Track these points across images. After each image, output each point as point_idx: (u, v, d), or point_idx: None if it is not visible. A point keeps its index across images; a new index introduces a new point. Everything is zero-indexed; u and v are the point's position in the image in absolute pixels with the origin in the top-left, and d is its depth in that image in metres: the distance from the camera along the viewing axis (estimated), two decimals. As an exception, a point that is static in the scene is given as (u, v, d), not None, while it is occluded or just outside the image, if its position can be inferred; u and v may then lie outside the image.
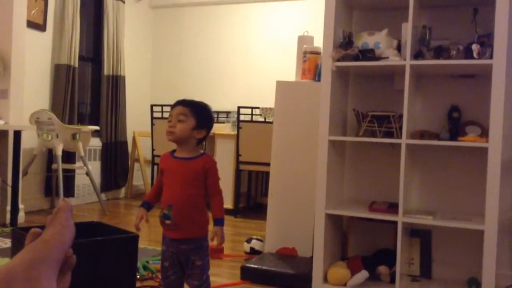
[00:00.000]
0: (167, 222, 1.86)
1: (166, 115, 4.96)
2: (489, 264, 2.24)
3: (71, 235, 0.53)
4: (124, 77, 5.56)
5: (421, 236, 2.68)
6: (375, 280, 2.54)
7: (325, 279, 2.55)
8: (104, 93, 5.37)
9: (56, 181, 4.35)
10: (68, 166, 4.55)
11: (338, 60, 2.53)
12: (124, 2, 5.58)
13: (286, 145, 3.24)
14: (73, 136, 4.32)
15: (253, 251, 3.24)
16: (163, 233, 1.92)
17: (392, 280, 2.44)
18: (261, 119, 4.74)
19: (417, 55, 2.43)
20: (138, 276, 2.55)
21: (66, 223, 0.53)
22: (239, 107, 4.70)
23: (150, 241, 3.57)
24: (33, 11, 4.48)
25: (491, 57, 2.26)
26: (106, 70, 5.39)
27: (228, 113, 5.43)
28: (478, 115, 2.56)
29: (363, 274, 2.48)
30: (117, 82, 5.47)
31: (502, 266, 2.56)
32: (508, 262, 2.59)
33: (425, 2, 2.58)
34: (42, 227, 0.53)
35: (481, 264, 2.26)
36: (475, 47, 2.28)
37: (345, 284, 2.50)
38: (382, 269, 2.55)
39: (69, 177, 4.74)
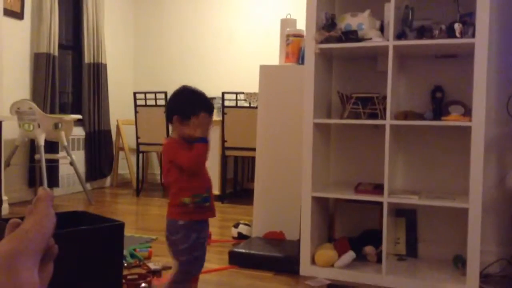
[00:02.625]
0: (207, 204, 1.85)
1: (149, 102, 4.91)
2: (474, 241, 2.27)
3: (51, 224, 0.51)
4: (105, 65, 5.47)
5: (407, 216, 2.70)
6: (362, 260, 2.57)
7: (313, 261, 2.57)
8: (85, 81, 5.29)
9: (40, 171, 4.30)
10: (51, 156, 4.49)
11: (322, 42, 2.52)
12: (103, -12, 5.47)
13: (271, 130, 3.24)
14: (55, 126, 4.26)
15: (241, 236, 3.25)
16: (192, 222, 1.83)
17: (379, 260, 2.47)
18: (246, 104, 4.72)
19: (400, 35, 2.43)
20: (125, 264, 2.54)
21: (46, 212, 0.52)
22: (223, 93, 4.67)
23: (137, 229, 3.56)
24: (9, -1, 4.37)
25: (473, 36, 2.26)
26: (87, 58, 5.30)
27: (212, 99, 5.39)
28: (461, 94, 2.58)
29: (350, 254, 2.51)
30: (98, 70, 5.39)
31: (487, 243, 2.60)
32: (493, 239, 2.64)
33: (407, -18, 2.57)
34: (23, 218, 0.51)
35: (466, 242, 2.30)
36: (457, 27, 2.29)
37: (332, 265, 2.52)
38: (369, 249, 2.57)
39: (53, 167, 4.68)
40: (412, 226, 2.71)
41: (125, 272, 2.41)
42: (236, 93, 4.65)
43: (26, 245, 0.48)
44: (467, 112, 2.42)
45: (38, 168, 4.39)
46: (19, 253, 0.47)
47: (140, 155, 5.16)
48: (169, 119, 1.86)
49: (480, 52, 2.25)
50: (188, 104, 1.82)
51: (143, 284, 2.31)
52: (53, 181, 4.76)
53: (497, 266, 2.59)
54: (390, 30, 2.39)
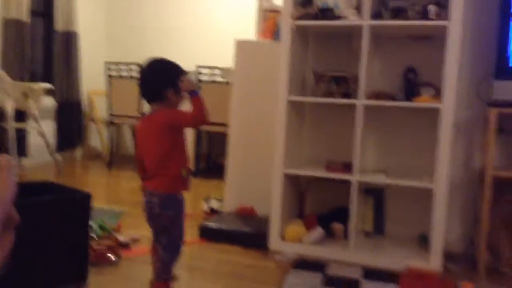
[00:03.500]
0: (190, 176, 1.87)
1: (123, 73, 4.82)
2: (438, 220, 2.34)
3: (12, 193, 0.50)
4: (77, 33, 5.33)
5: (375, 195, 2.75)
6: (330, 237, 2.62)
7: (282, 237, 2.60)
8: (56, 50, 5.15)
9: (8, 140, 4.20)
10: (19, 125, 4.39)
11: (298, 19, 2.51)
12: (76, -46, 5.29)
13: (245, 105, 3.23)
14: (24, 94, 4.15)
15: (212, 211, 3.27)
16: (180, 195, 1.84)
17: (347, 236, 2.52)
18: (221, 79, 4.68)
19: (375, 15, 2.43)
20: (94, 236, 2.52)
21: (7, 180, 0.51)
22: (198, 67, 4.61)
23: (108, 201, 3.53)
24: (-24, -40, 4.19)
25: (447, 18, 2.28)
26: (58, 26, 5.15)
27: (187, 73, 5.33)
28: (433, 76, 2.60)
29: (318, 231, 2.55)
30: (70, 38, 5.24)
31: (452, 222, 2.68)
32: (457, 218, 2.71)
33: (385, -39, 2.56)
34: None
35: (431, 221, 2.36)
36: (432, 8, 2.30)
37: (301, 241, 2.56)
38: (337, 226, 2.62)
39: (21, 136, 4.58)
40: (380, 205, 2.77)
41: (93, 243, 2.40)
42: (211, 68, 4.60)
43: None
44: (438, 94, 2.45)
45: (6, 137, 4.29)
46: None
47: (112, 127, 5.09)
48: (158, 97, 1.78)
49: (453, 34, 2.27)
50: (173, 74, 1.79)
51: (111, 256, 2.31)
52: (22, 151, 4.66)
53: (460, 244, 2.67)
54: (366, 9, 2.39)
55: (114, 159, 5.19)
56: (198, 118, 1.79)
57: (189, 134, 4.76)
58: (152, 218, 1.83)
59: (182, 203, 1.85)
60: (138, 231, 2.79)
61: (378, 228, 2.77)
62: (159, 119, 1.79)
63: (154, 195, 1.79)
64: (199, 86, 1.80)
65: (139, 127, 1.89)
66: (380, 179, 2.47)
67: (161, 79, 1.80)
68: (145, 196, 1.84)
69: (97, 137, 5.58)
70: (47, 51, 5.27)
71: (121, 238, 2.57)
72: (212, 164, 5.30)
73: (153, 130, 1.79)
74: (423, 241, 2.59)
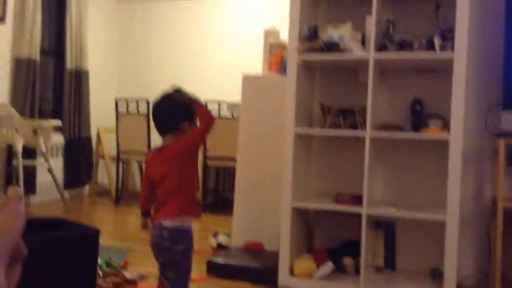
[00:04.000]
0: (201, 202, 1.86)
1: (131, 110, 4.87)
2: (451, 254, 2.28)
3: (21, 225, 0.50)
4: (87, 72, 5.42)
5: (385, 228, 2.71)
6: (341, 272, 2.56)
7: (292, 272, 2.55)
8: (67, 87, 5.23)
9: (17, 177, 4.22)
10: (29, 162, 4.42)
11: (304, 53, 2.54)
12: (87, -5, 5.44)
13: (253, 139, 3.23)
14: (34, 132, 4.19)
15: (220, 246, 3.22)
16: (190, 227, 1.84)
17: (357, 272, 2.47)
18: (228, 114, 4.71)
19: (380, 48, 2.45)
20: (100, 273, 2.49)
21: (16, 212, 0.50)
22: (206, 102, 4.65)
23: (114, 238, 3.50)
24: (-9, 2, 4.32)
25: (452, 50, 2.30)
26: (69, 64, 5.24)
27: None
28: (440, 108, 2.60)
29: (329, 266, 2.50)
30: (80, 76, 5.33)
31: (464, 256, 2.62)
32: (470, 252, 2.66)
33: (388, -4, 2.60)
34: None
35: (443, 255, 2.30)
36: (437, 40, 2.32)
37: (311, 276, 2.51)
38: (347, 260, 2.57)
39: (30, 173, 4.60)
40: (391, 238, 2.72)
41: (100, 281, 2.36)
42: (219, 103, 4.65)
43: None
44: (446, 125, 2.44)
45: (15, 174, 4.31)
46: None
47: (120, 163, 5.10)
48: (173, 129, 1.83)
49: (458, 66, 2.28)
50: (187, 107, 1.86)
51: (118, 293, 2.27)
52: (30, 187, 4.68)
53: (473, 279, 2.60)
54: (371, 43, 2.42)
55: (122, 196, 5.18)
56: (208, 121, 1.84)
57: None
58: (161, 252, 1.80)
59: (191, 237, 1.82)
60: (145, 268, 2.75)
61: (389, 263, 2.71)
62: (178, 145, 1.81)
63: (164, 228, 1.77)
64: (196, 99, 1.86)
65: (151, 158, 1.91)
66: (390, 212, 2.44)
67: (177, 112, 1.85)
68: (153, 229, 1.82)
69: (105, 173, 5.59)
70: (58, 88, 5.35)
71: (128, 275, 2.53)
72: (219, 199, 5.27)
73: (171, 157, 1.81)
74: (436, 276, 2.53)
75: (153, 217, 1.87)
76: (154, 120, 1.88)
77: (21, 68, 4.61)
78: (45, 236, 1.85)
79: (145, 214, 1.95)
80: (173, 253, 1.77)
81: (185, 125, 1.82)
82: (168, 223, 1.77)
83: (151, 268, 2.77)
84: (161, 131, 1.86)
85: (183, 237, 1.78)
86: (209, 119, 1.85)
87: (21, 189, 4.03)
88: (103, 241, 3.30)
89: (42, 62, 4.94)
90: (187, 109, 1.86)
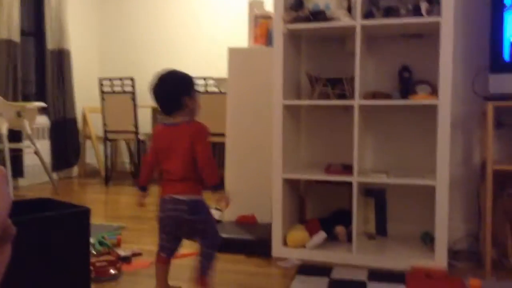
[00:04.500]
0: None
1: (116, 89, 4.80)
2: (441, 218, 2.31)
3: (7, 203, 0.48)
4: (69, 51, 5.32)
5: (376, 196, 2.73)
6: (333, 240, 2.59)
7: (285, 243, 2.57)
8: (49, 68, 5.13)
9: (3, 161, 4.16)
10: (14, 145, 4.36)
11: (289, 22, 2.50)
12: (65, -28, 5.30)
13: (241, 113, 3.21)
14: (18, 114, 4.12)
15: (212, 221, 3.23)
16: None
17: (349, 239, 2.49)
18: (216, 89, 4.67)
19: (367, 15, 2.43)
20: (94, 252, 2.48)
21: (1, 191, 0.48)
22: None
23: (107, 217, 3.49)
24: (-35, -18, 4.19)
25: (439, 14, 2.28)
26: (50, 44, 5.14)
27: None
28: (428, 74, 2.60)
29: (321, 235, 2.52)
30: (62, 57, 5.23)
31: (454, 220, 2.65)
32: (460, 215, 2.69)
33: (373, -39, 2.56)
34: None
35: (434, 219, 2.33)
36: (423, 5, 2.30)
37: (304, 246, 2.53)
38: (339, 229, 2.59)
39: (17, 156, 4.55)
40: (382, 206, 2.74)
41: (94, 259, 2.36)
42: (205, 78, 4.59)
43: None
44: (434, 91, 2.44)
45: (1, 158, 4.25)
46: None
47: (108, 143, 5.05)
48: (177, 106, 1.87)
49: (445, 30, 2.27)
50: (186, 82, 1.92)
51: (112, 271, 2.27)
52: (18, 171, 4.63)
53: (464, 242, 2.64)
54: (358, 10, 2.39)
55: (111, 176, 5.15)
56: (207, 167, 1.86)
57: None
58: (180, 225, 1.87)
59: (207, 205, 1.92)
60: (138, 245, 2.75)
61: (381, 229, 2.74)
62: (191, 131, 1.86)
63: (180, 201, 1.83)
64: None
65: (162, 133, 1.92)
66: (381, 179, 2.45)
67: (178, 89, 1.89)
68: (166, 203, 1.86)
69: (93, 154, 5.54)
70: (40, 70, 5.25)
71: (122, 252, 2.53)
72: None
73: (183, 138, 1.85)
74: (427, 240, 2.56)
75: (161, 191, 1.90)
76: (159, 101, 1.90)
77: (1, 50, 4.52)
78: (34, 216, 1.83)
79: (144, 188, 1.99)
80: (198, 223, 1.87)
81: (186, 99, 1.87)
82: (182, 196, 1.83)
83: (145, 245, 2.77)
84: (168, 111, 1.90)
85: (203, 207, 1.88)
86: (212, 175, 1.86)
87: (8, 172, 3.98)
88: (95, 220, 3.29)
89: (23, 43, 4.82)
90: (185, 84, 1.92)
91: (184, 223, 1.85)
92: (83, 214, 1.96)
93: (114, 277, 2.25)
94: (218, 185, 1.88)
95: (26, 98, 4.94)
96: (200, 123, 1.91)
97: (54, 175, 5.00)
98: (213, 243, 1.93)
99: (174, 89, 1.89)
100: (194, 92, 1.93)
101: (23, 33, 4.86)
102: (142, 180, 2.00)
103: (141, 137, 4.93)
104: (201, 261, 1.91)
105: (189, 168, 1.85)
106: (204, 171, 1.85)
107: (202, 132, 1.88)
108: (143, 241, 2.87)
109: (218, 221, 3.19)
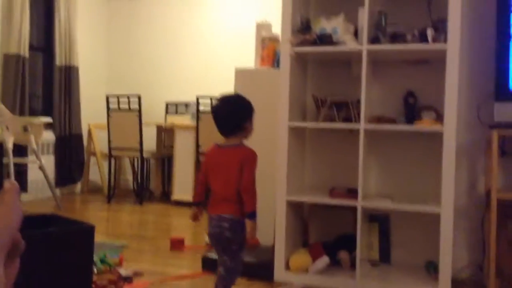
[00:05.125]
0: None
1: (122, 106, 4.83)
2: (446, 246, 2.29)
3: (18, 217, 0.49)
4: (77, 68, 5.37)
5: (380, 221, 2.71)
6: (336, 266, 2.56)
7: (287, 267, 2.54)
8: (56, 84, 5.18)
9: (8, 175, 4.17)
10: (20, 160, 4.37)
11: (297, 45, 2.52)
12: (76, -10, 5.38)
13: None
14: (24, 128, 4.14)
15: (214, 242, 3.21)
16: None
17: (353, 265, 2.46)
18: (221, 109, 4.68)
19: (373, 40, 2.44)
20: (95, 271, 2.47)
21: (13, 205, 0.49)
22: (198, 97, 4.63)
23: (108, 235, 3.48)
24: (-22, -2, 4.26)
25: (445, 42, 2.29)
26: (59, 61, 5.19)
27: (187, 104, 5.35)
28: (433, 100, 2.60)
29: (324, 260, 2.49)
30: (70, 73, 5.28)
31: (459, 249, 2.63)
32: (464, 244, 2.66)
33: (381, -12, 2.59)
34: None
35: (438, 247, 2.31)
36: (429, 32, 2.31)
37: (307, 271, 2.50)
38: (343, 254, 2.57)
39: (21, 171, 4.55)
40: (386, 232, 2.72)
41: (95, 278, 2.34)
42: (211, 98, 4.62)
43: None
44: (439, 117, 2.44)
45: (6, 172, 4.26)
46: None
47: (112, 160, 5.06)
48: (237, 130, 1.98)
49: (451, 57, 2.28)
50: (248, 107, 2.03)
51: (112, 291, 2.25)
52: (22, 185, 4.63)
53: (468, 271, 2.61)
54: (364, 35, 2.40)
55: (114, 193, 5.15)
56: (248, 191, 1.95)
57: (190, 165, 4.75)
58: (220, 241, 1.96)
59: (245, 228, 1.96)
60: (140, 265, 2.73)
61: (385, 256, 2.71)
62: (242, 155, 1.97)
63: (224, 219, 1.93)
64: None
65: (214, 153, 2.03)
66: (386, 205, 2.43)
67: (239, 113, 2.01)
68: (212, 220, 1.96)
69: (97, 171, 5.55)
70: (47, 85, 5.29)
71: (123, 272, 2.51)
72: (213, 195, 5.24)
73: (233, 162, 1.96)
74: (431, 269, 2.53)
75: (207, 209, 2.01)
76: (218, 121, 2.00)
77: (10, 64, 4.56)
78: (40, 232, 1.83)
79: (197, 204, 2.09)
80: (232, 242, 1.96)
81: (245, 124, 2.00)
82: (226, 215, 1.93)
83: (146, 264, 2.75)
84: (226, 132, 2.00)
85: (241, 228, 1.94)
86: (251, 204, 1.96)
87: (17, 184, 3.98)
88: (97, 238, 3.28)
89: (31, 58, 4.88)
90: (246, 108, 2.03)
91: (224, 240, 1.95)
92: (88, 231, 1.96)
93: (114, 297, 2.23)
94: (254, 213, 1.94)
95: (33, 113, 4.97)
96: (251, 149, 2.01)
97: (57, 191, 5.00)
98: (236, 269, 2.01)
99: (235, 112, 2.00)
100: (252, 118, 2.03)
101: (32, 48, 4.91)
102: (195, 196, 2.13)
103: (145, 154, 4.94)
104: (221, 283, 1.98)
105: (235, 190, 1.93)
106: (244, 196, 1.93)
107: (251, 158, 1.97)
108: (144, 260, 2.86)
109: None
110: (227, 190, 1.95)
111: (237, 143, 2.00)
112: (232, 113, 2.00)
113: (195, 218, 2.08)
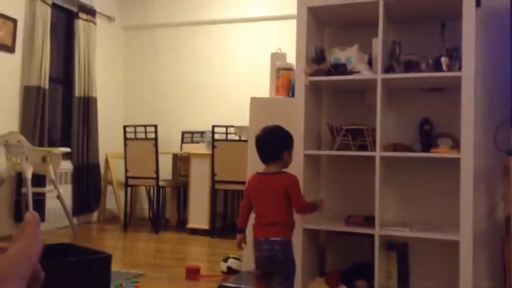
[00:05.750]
0: None
1: (139, 135, 4.90)
2: (466, 274, 2.25)
3: (39, 248, 0.50)
4: (95, 98, 5.48)
5: (398, 249, 2.68)
6: (354, 295, 2.52)
7: (304, 296, 2.52)
8: (75, 115, 5.28)
9: (26, 205, 4.22)
10: (38, 189, 4.43)
11: (311, 75, 2.56)
12: (95, 24, 5.54)
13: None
14: (43, 159, 4.21)
15: (231, 271, 3.19)
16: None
17: (371, 294, 2.43)
18: (236, 137, 4.73)
19: (388, 69, 2.47)
20: (112, 300, 2.47)
21: (34, 236, 0.50)
22: (213, 126, 4.68)
23: (124, 264, 3.48)
24: (1, 32, 4.41)
25: (459, 69, 2.31)
26: (78, 92, 5.31)
27: (202, 133, 5.40)
28: (449, 127, 2.60)
29: (342, 288, 2.46)
30: (88, 104, 5.39)
31: (479, 276, 2.58)
32: (484, 272, 2.62)
33: (393, 17, 2.63)
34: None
35: (458, 275, 2.27)
36: (444, 60, 2.33)
37: (324, 300, 2.47)
38: (361, 283, 2.54)
39: (39, 201, 4.61)
40: (404, 260, 2.68)
41: (111, 307, 2.34)
42: (226, 127, 4.66)
43: (13, 270, 0.46)
44: (456, 144, 2.44)
45: (25, 202, 4.32)
46: (5, 277, 0.45)
47: (129, 189, 5.10)
48: (276, 158, 2.16)
49: (467, 85, 2.29)
50: (288, 139, 2.21)
51: (129, 320, 2.24)
52: (40, 215, 4.62)
53: (490, 300, 2.56)
54: (378, 64, 2.43)
55: (130, 222, 5.16)
56: (305, 210, 2.25)
57: (205, 193, 4.76)
58: (274, 263, 2.09)
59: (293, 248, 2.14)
60: (156, 293, 2.72)
61: (403, 285, 2.67)
62: (285, 181, 2.13)
63: (275, 242, 2.07)
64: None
65: (257, 181, 2.19)
66: (404, 233, 2.41)
67: (279, 143, 2.18)
68: (261, 244, 2.09)
69: (114, 199, 5.59)
70: (66, 116, 5.40)
71: (139, 301, 2.51)
72: (229, 223, 5.24)
73: (277, 187, 2.12)
74: (452, 297, 2.48)
75: (255, 233, 2.15)
76: (260, 149, 2.20)
77: (31, 96, 4.67)
78: (57, 261, 1.84)
79: (242, 230, 2.22)
80: (285, 263, 2.10)
81: (285, 154, 2.16)
82: (276, 238, 2.07)
83: (162, 293, 2.74)
84: (266, 159, 2.19)
85: (291, 248, 2.11)
86: (306, 211, 2.28)
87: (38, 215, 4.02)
88: (113, 267, 3.28)
89: (51, 89, 5.00)
90: (287, 140, 2.20)
91: (277, 261, 2.08)
92: (105, 260, 1.97)
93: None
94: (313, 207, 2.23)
95: (51, 143, 5.06)
96: (292, 174, 2.17)
97: (74, 220, 5.04)
98: (292, 286, 2.14)
99: (276, 142, 2.17)
100: (292, 148, 2.20)
101: (52, 80, 5.04)
102: (240, 224, 2.23)
103: (161, 183, 4.97)
104: None
105: (281, 213, 2.10)
106: (302, 214, 2.24)
107: (294, 181, 2.13)
108: (160, 290, 2.85)
109: (236, 271, 3.15)
110: (274, 214, 2.10)
111: (277, 170, 2.16)
112: (272, 142, 2.17)
113: (240, 244, 2.21)
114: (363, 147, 2.57)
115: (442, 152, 2.41)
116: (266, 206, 2.13)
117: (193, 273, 3.12)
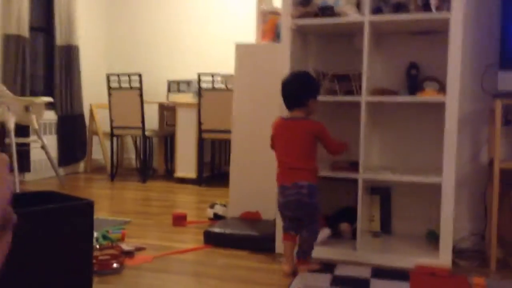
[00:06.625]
0: None
1: (123, 84, 4.81)
2: (447, 217, 2.29)
3: (8, 190, 0.47)
4: (77, 47, 5.34)
5: (381, 193, 2.71)
6: (338, 237, 2.57)
7: (289, 239, 2.55)
8: (57, 64, 5.16)
9: (10, 156, 4.18)
10: (21, 140, 4.38)
11: (298, 18, 2.49)
12: (75, -32, 5.32)
13: (247, 110, 3.20)
14: (26, 109, 4.14)
15: (217, 217, 3.22)
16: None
17: (354, 236, 2.47)
18: (223, 86, 4.67)
19: (376, 11, 2.41)
20: (97, 246, 2.48)
21: (2, 177, 0.48)
22: (199, 74, 4.60)
23: (112, 212, 3.50)
24: (-25, -23, 4.22)
25: (448, 10, 2.26)
26: (59, 40, 5.16)
27: (189, 82, 5.33)
28: (436, 71, 2.58)
29: (326, 231, 2.50)
30: (70, 52, 5.26)
31: (460, 219, 2.63)
32: (466, 214, 2.66)
33: (382, -43, 2.54)
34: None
35: (440, 218, 2.31)
36: (433, 1, 2.27)
37: (308, 243, 2.51)
38: (344, 226, 2.58)
39: (24, 151, 4.57)
40: (386, 203, 2.72)
41: (97, 253, 2.36)
42: (212, 75, 4.59)
43: None
44: (442, 88, 2.42)
45: (8, 153, 4.27)
46: None
47: (115, 138, 5.07)
48: (301, 104, 2.17)
49: (455, 27, 2.24)
50: (315, 86, 2.23)
51: (114, 265, 2.26)
52: (24, 166, 4.65)
53: (469, 240, 2.62)
54: (366, 5, 2.37)
55: (117, 171, 5.16)
56: (338, 151, 2.29)
57: (192, 143, 4.75)
58: (300, 207, 2.14)
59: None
60: (143, 240, 2.75)
61: (385, 227, 2.72)
62: (309, 127, 2.17)
63: (301, 186, 2.11)
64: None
65: (280, 125, 2.22)
66: (386, 177, 2.43)
67: (305, 90, 2.18)
68: (289, 189, 2.13)
69: (100, 150, 5.56)
70: (48, 65, 5.27)
71: (125, 246, 2.53)
72: (216, 172, 5.27)
73: (302, 133, 2.15)
74: (432, 238, 2.54)
75: (279, 179, 2.20)
76: (285, 94, 2.20)
77: (10, 45, 4.54)
78: (38, 208, 1.83)
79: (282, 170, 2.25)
80: (311, 206, 2.14)
81: (310, 101, 2.18)
82: (304, 182, 2.11)
83: (149, 240, 2.77)
84: (291, 105, 2.20)
85: (317, 192, 2.15)
86: (339, 151, 2.29)
87: (15, 167, 4.00)
88: (101, 215, 3.30)
89: (32, 38, 4.85)
90: (313, 87, 2.20)
91: (304, 205, 2.13)
92: (87, 206, 1.95)
93: (116, 271, 2.25)
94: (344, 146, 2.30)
95: (34, 94, 4.96)
96: (316, 121, 2.20)
97: (61, 170, 5.02)
98: (316, 229, 2.20)
99: (302, 88, 2.17)
100: (316, 97, 2.21)
101: (32, 28, 4.88)
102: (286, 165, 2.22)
103: (147, 133, 4.94)
104: (302, 246, 2.19)
105: (306, 158, 2.14)
106: (337, 154, 2.31)
107: (324, 128, 2.19)
108: (148, 236, 2.87)
109: (222, 217, 3.18)
110: (300, 159, 2.13)
111: (302, 116, 2.17)
112: (297, 88, 2.17)
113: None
114: (349, 93, 2.54)
115: (427, 95, 2.39)
116: (291, 151, 2.15)
117: (179, 220, 3.15)
